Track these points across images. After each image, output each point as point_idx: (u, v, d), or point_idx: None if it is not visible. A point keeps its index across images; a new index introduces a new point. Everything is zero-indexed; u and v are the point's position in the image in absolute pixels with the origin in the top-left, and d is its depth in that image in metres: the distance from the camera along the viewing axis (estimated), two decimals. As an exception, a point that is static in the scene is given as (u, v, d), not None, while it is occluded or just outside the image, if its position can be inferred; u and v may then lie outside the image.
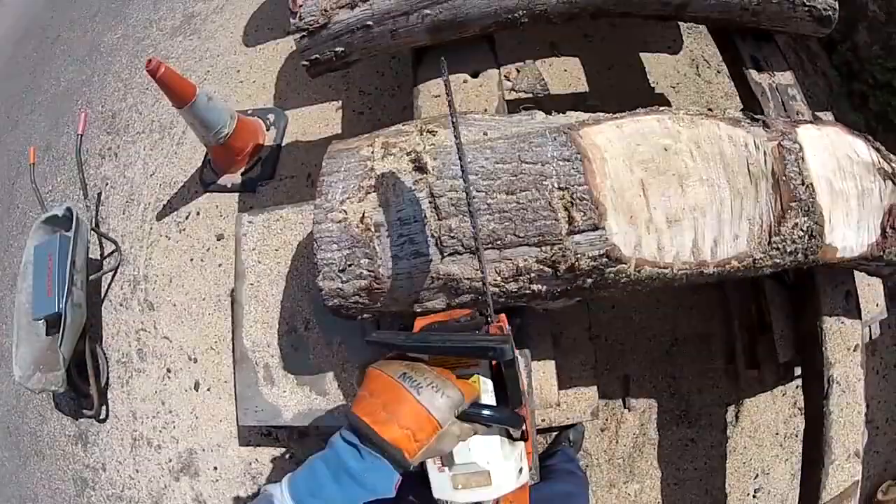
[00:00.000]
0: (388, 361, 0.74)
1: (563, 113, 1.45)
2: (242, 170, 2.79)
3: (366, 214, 1.29)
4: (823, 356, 1.67)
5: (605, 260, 1.21)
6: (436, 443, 0.66)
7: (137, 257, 2.86)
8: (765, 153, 1.39)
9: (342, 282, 1.33)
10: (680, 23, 2.77)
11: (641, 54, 2.72)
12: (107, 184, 3.03)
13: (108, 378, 2.70)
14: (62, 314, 2.27)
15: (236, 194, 2.78)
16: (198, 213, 2.86)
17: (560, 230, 1.19)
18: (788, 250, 1.39)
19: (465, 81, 1.98)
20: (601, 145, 1.27)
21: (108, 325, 2.78)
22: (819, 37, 2.17)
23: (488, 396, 0.79)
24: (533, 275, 1.24)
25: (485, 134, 1.32)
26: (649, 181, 1.30)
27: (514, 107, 2.63)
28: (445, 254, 1.23)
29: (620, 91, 2.64)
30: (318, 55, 1.83)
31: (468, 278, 1.25)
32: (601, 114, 1.41)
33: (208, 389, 2.59)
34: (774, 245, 1.38)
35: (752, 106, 1.95)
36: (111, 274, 2.82)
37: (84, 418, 2.74)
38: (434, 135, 1.35)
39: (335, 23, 1.73)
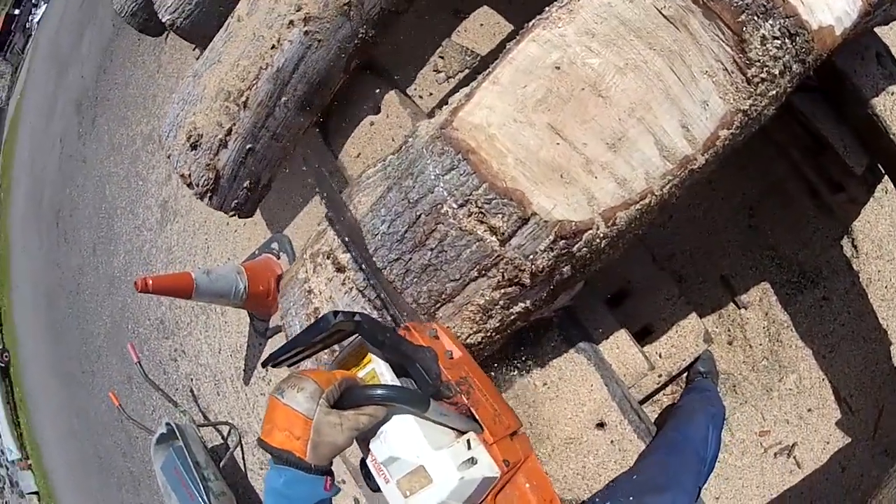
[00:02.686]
0: None
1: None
2: (281, 304, 2.84)
3: (322, 339, 1.20)
4: (894, 140, 1.29)
5: (562, 243, 1.00)
6: (316, 435, 0.68)
7: (250, 423, 3.04)
8: (671, -15, 1.09)
9: (344, 407, 1.26)
10: None
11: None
12: (191, 379, 3.27)
13: (284, 533, 2.88)
14: None
15: (292, 327, 2.85)
16: (272, 361, 2.97)
17: (490, 247, 1.00)
18: (777, 72, 1.07)
19: (371, 124, 1.86)
20: (481, 122, 1.05)
21: (260, 491, 2.97)
22: None
23: (385, 380, 0.78)
24: (502, 302, 1.06)
25: (378, 191, 1.17)
26: (559, 119, 1.06)
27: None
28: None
29: (541, 6, 2.30)
30: (235, 200, 1.81)
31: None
32: (480, 77, 1.20)
33: (366, 499, 2.67)
34: (756, 79, 1.07)
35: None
36: (238, 450, 3.02)
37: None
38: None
39: (223, 167, 1.70)
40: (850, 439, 1.79)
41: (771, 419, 1.84)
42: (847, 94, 1.35)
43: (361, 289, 1.10)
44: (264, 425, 0.71)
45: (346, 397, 0.72)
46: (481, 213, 0.99)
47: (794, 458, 1.83)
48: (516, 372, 1.43)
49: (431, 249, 1.02)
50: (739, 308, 1.85)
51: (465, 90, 1.20)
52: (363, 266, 1.04)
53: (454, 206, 1.00)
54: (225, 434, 3.08)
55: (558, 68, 1.09)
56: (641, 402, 1.74)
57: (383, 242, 1.08)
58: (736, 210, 1.90)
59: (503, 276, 1.02)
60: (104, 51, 4.61)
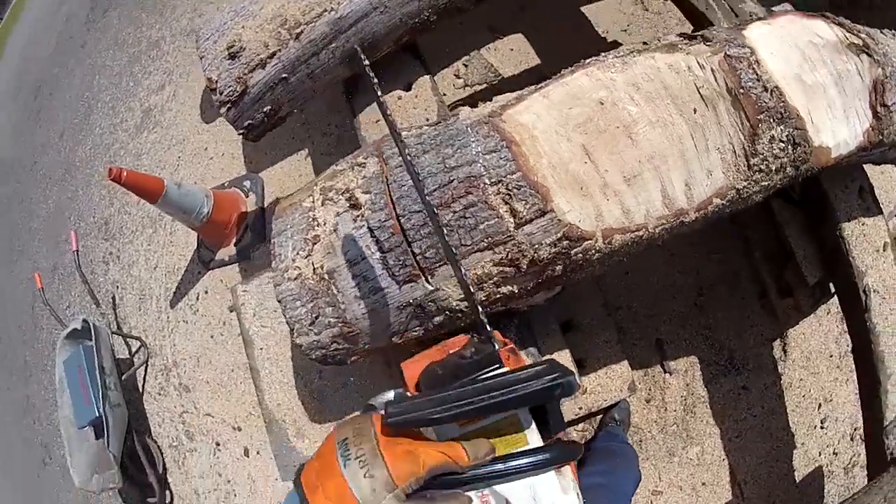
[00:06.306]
0: (353, 419, 0.65)
1: (491, 100, 1.38)
2: (234, 241, 2.81)
3: (317, 265, 1.25)
4: (853, 266, 1.51)
5: (565, 243, 1.13)
6: None
7: (163, 347, 2.93)
8: (712, 70, 1.27)
9: (316, 334, 1.30)
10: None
11: (583, 8, 2.57)
12: (117, 287, 3.13)
13: (164, 464, 2.81)
14: (103, 417, 2.37)
15: (236, 265, 2.81)
16: (206, 292, 2.91)
17: (506, 227, 1.11)
18: (773, 168, 1.26)
19: (399, 98, 1.94)
20: (527, 123, 1.18)
21: (152, 415, 2.88)
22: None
23: (535, 436, 0.65)
24: (496, 279, 1.17)
25: (411, 153, 1.26)
26: (592, 143, 1.20)
27: (475, 101, 2.54)
28: (400, 283, 1.18)
29: (573, 52, 2.49)
30: (250, 121, 1.82)
31: (431, 301, 1.19)
32: (529, 87, 1.33)
33: (258, 453, 2.64)
34: (756, 167, 1.26)
35: (702, 24, 1.80)
36: (143, 368, 2.91)
37: (152, 506, 2.85)
38: (363, 167, 1.29)
39: (253, 86, 1.72)
40: (735, 525, 1.89)
41: (667, 482, 1.97)
42: (823, 214, 1.53)
43: (374, 228, 1.17)
44: (311, 473, 0.60)
45: (443, 480, 0.59)
46: (509, 194, 1.10)
47: (680, 529, 1.96)
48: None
49: (455, 212, 1.12)
50: (665, 372, 2.03)
51: (514, 95, 1.32)
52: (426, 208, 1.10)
53: (488, 181, 1.11)
54: (133, 350, 2.96)
55: (602, 104, 1.24)
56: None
57: (409, 193, 1.17)
58: (688, 286, 2.09)
59: (506, 256, 1.13)
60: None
